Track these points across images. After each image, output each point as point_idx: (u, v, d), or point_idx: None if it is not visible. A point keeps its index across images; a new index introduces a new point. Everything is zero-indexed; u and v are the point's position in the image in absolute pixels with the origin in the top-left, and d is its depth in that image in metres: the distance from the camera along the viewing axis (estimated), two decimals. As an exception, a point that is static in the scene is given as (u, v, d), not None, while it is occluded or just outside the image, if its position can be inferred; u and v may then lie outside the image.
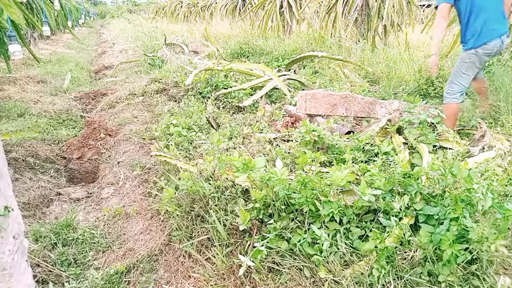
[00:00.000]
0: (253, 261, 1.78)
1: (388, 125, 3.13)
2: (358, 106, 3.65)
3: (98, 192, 3.11)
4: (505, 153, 2.60)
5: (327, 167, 2.49)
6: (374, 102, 3.65)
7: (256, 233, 2.02)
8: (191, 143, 3.30)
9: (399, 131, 3.12)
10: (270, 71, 4.84)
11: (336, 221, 1.87)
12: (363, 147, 2.84)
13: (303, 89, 4.75)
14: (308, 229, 1.90)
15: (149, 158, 3.32)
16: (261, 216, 2.03)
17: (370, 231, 1.82)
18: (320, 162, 2.50)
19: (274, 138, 3.29)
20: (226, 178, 2.38)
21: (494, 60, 4.37)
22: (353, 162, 2.61)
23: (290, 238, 1.87)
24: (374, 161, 2.59)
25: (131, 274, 2.12)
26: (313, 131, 2.87)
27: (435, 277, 1.67)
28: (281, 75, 4.96)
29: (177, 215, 2.31)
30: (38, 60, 6.69)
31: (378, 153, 2.74)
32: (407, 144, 2.95)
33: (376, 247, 1.73)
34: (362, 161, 2.67)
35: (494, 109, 3.42)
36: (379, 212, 1.92)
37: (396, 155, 2.67)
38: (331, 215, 1.85)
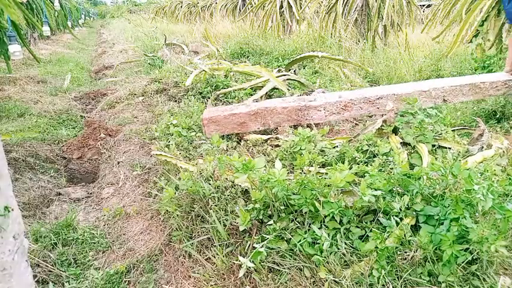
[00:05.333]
0: (253, 262, 1.78)
1: (383, 125, 3.11)
2: (279, 117, 3.11)
3: (98, 192, 3.11)
4: (504, 152, 2.60)
5: (326, 168, 2.49)
6: (304, 109, 3.13)
7: (256, 233, 2.02)
8: (191, 143, 3.30)
9: (395, 131, 3.11)
10: (267, 72, 4.83)
11: (335, 221, 1.87)
12: (361, 149, 2.83)
13: (303, 89, 4.75)
14: (308, 229, 1.90)
15: (149, 158, 3.32)
16: (260, 217, 2.03)
17: (371, 231, 1.82)
18: (320, 163, 2.50)
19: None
20: (226, 178, 2.38)
21: None
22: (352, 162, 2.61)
23: (290, 239, 1.87)
24: (373, 161, 2.58)
25: (131, 274, 2.12)
26: (307, 137, 2.84)
27: (435, 277, 1.68)
28: (280, 76, 4.95)
29: (177, 215, 2.31)
30: (38, 60, 6.69)
31: (377, 154, 2.74)
32: (405, 144, 2.95)
33: (376, 247, 1.73)
34: (361, 162, 2.66)
35: None
36: (379, 212, 1.92)
37: (396, 155, 2.67)
38: (331, 215, 1.85)
